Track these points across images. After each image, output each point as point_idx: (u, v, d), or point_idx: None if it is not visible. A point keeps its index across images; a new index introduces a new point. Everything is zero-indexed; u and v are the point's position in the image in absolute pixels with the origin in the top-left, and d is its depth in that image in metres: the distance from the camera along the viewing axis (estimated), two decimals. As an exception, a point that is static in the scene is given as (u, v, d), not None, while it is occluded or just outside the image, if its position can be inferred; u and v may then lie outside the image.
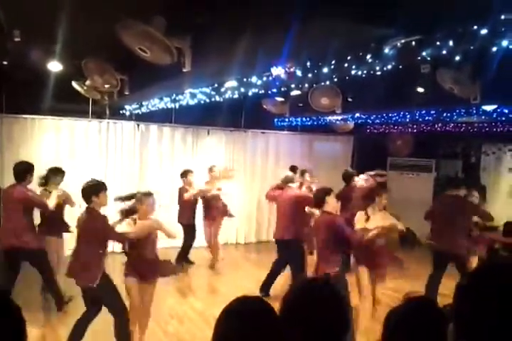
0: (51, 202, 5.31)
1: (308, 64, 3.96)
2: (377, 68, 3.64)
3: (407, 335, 1.48)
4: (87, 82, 6.20)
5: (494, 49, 2.80)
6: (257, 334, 1.46)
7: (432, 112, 7.29)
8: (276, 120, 10.09)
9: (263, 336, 1.47)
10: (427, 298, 1.60)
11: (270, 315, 1.54)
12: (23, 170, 5.25)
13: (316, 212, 5.20)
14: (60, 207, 5.65)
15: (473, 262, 5.73)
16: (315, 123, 9.61)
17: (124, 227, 4.25)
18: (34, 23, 4.16)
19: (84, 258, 4.17)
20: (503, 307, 1.10)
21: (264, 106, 7.71)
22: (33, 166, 5.42)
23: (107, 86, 5.62)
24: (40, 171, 7.67)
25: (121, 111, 8.70)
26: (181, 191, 7.48)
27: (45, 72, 5.98)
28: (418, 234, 10.04)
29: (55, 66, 5.65)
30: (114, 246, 7.52)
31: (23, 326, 1.31)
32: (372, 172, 7.43)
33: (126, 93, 5.96)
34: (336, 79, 4.71)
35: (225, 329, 1.50)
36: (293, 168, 8.15)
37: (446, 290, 1.21)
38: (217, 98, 6.10)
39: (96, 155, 8.32)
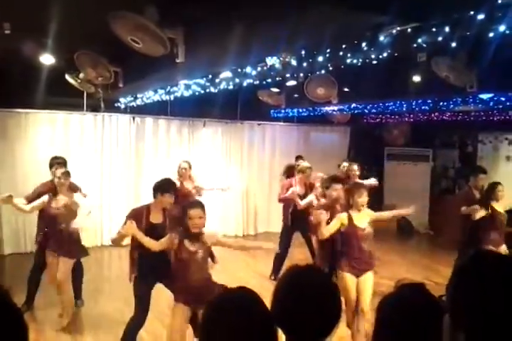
0: None
1: (303, 53, 3.92)
2: (373, 56, 3.60)
3: (399, 323, 1.47)
4: (81, 75, 6.15)
5: (491, 35, 2.77)
6: (243, 327, 1.43)
7: (429, 101, 7.27)
8: (272, 111, 10.05)
9: (250, 327, 1.44)
10: (419, 285, 1.58)
11: (257, 306, 1.51)
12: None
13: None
14: None
15: None
16: (311, 114, 9.58)
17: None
18: (24, 15, 4.10)
19: None
20: (500, 297, 1.08)
21: (260, 98, 7.68)
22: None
23: (100, 79, 5.57)
24: (36, 165, 7.70)
25: (116, 104, 8.65)
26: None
27: (38, 66, 5.92)
28: (414, 223, 10.08)
29: (47, 59, 5.59)
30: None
31: (26, 333, 1.21)
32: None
33: (121, 85, 5.91)
34: (331, 69, 4.67)
35: (211, 324, 1.48)
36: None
37: (444, 280, 1.21)
38: (212, 89, 6.06)
39: (91, 149, 8.26)
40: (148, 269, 4.08)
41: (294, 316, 1.52)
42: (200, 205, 3.76)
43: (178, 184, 6.71)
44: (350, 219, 4.24)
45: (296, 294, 1.55)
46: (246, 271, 6.98)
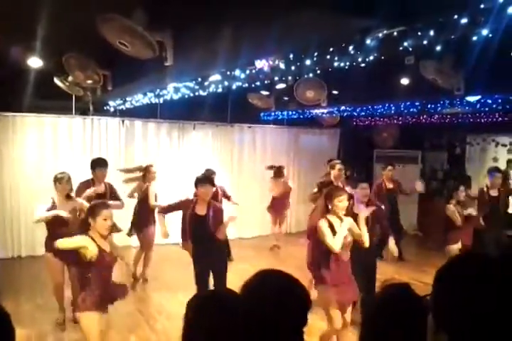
0: None
1: (291, 56, 3.94)
2: (360, 60, 3.64)
3: (384, 322, 1.48)
4: (69, 78, 6.12)
5: (475, 38, 2.81)
6: (225, 327, 1.44)
7: (417, 104, 7.34)
8: (262, 114, 10.08)
9: (233, 327, 1.45)
10: (404, 285, 1.60)
11: (235, 306, 1.52)
12: None
13: None
14: None
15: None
16: (301, 116, 9.62)
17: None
18: (12, 18, 4.08)
19: None
20: (482, 297, 1.09)
21: (250, 101, 7.69)
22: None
23: (89, 81, 5.55)
24: (24, 169, 7.65)
25: (105, 107, 8.62)
26: None
27: (26, 69, 5.89)
28: (404, 224, 10.12)
29: (35, 62, 5.56)
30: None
31: (13, 335, 1.24)
32: None
33: (110, 88, 5.89)
34: (319, 72, 4.71)
35: (193, 324, 1.49)
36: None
37: (432, 281, 1.22)
38: (201, 92, 6.07)
39: (80, 152, 8.21)
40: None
41: (260, 311, 1.53)
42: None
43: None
44: (330, 225, 3.93)
45: (258, 298, 1.56)
46: (237, 275, 6.95)
